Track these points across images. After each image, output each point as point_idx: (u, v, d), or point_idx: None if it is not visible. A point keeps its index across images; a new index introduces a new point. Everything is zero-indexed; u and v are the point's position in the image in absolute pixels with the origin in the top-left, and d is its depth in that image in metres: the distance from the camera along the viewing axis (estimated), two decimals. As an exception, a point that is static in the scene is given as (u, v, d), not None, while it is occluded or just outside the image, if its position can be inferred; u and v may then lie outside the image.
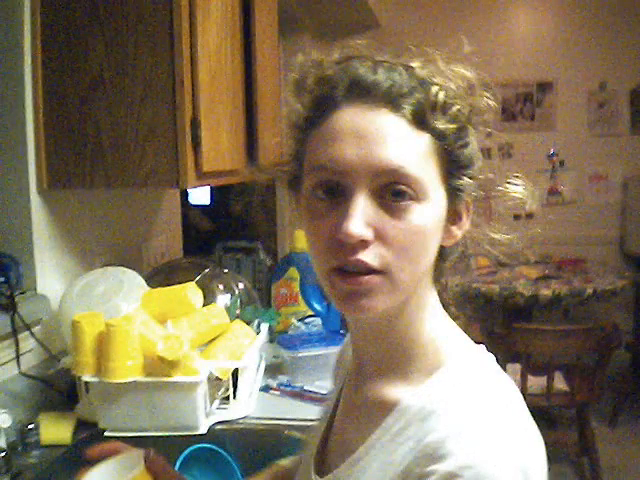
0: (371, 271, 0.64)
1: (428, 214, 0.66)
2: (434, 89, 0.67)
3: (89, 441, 1.24)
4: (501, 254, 0.76)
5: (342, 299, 0.67)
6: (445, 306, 0.76)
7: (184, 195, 3.22)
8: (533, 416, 0.66)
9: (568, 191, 4.55)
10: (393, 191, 0.64)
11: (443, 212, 0.69)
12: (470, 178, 0.70)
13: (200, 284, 1.52)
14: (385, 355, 0.73)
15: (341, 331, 1.90)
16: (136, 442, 0.92)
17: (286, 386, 1.66)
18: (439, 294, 0.76)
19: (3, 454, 1.18)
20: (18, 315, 1.36)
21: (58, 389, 1.45)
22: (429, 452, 0.61)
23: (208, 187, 3.96)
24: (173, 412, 1.30)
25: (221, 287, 1.73)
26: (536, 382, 2.88)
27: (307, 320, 1.97)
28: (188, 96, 1.39)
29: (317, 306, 2.02)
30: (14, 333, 1.36)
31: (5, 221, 1.46)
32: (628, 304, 4.31)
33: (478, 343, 0.74)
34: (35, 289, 1.47)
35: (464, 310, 0.80)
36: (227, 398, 1.45)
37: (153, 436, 1.29)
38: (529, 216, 0.76)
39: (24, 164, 1.43)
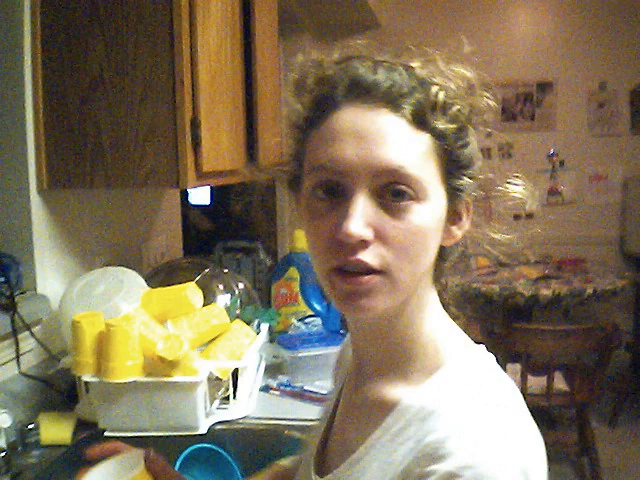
0: (371, 271, 0.64)
1: (428, 214, 0.66)
2: (434, 89, 0.67)
3: (89, 441, 1.24)
4: (501, 254, 0.76)
5: (342, 299, 0.67)
6: (445, 306, 0.76)
7: (184, 195, 3.23)
8: (533, 416, 0.66)
9: (568, 191, 4.55)
10: (393, 191, 0.64)
11: (443, 212, 0.69)
12: (470, 178, 0.70)
13: (200, 284, 1.52)
14: (385, 355, 0.73)
15: (341, 331, 1.90)
16: (136, 442, 0.92)
17: (286, 386, 1.66)
18: (439, 294, 0.76)
19: (3, 454, 1.18)
20: (18, 315, 1.36)
21: (58, 389, 1.45)
22: (429, 452, 0.61)
23: (208, 187, 3.96)
24: (173, 412, 1.30)
25: (221, 287, 1.73)
26: (536, 382, 2.88)
27: (307, 320, 1.96)
28: (188, 96, 1.39)
29: (317, 306, 2.02)
30: (14, 333, 1.36)
31: (5, 221, 1.46)
32: (628, 304, 4.31)
33: (478, 343, 0.74)
34: (35, 289, 1.48)
35: (464, 310, 0.80)
36: (227, 398, 1.45)
37: (153, 436, 1.29)
38: (529, 216, 0.76)
39: (24, 164, 1.43)
